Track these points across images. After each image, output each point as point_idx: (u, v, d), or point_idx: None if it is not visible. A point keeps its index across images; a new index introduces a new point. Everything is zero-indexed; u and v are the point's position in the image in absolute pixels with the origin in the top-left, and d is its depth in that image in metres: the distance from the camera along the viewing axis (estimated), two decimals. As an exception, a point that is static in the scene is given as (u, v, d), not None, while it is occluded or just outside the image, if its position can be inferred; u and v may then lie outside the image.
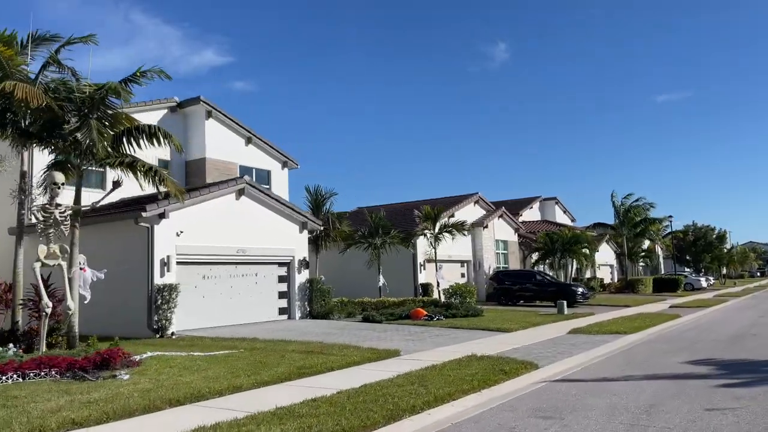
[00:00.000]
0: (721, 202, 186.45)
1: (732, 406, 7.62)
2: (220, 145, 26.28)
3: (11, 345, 12.09)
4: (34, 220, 14.16)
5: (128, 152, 13.87)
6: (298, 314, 21.92)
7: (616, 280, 49.40)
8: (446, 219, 29.85)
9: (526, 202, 56.86)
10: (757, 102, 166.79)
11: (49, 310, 12.15)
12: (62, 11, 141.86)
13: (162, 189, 14.19)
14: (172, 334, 17.01)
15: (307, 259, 22.61)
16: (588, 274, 46.38)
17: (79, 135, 11.86)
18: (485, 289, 33.90)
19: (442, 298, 24.80)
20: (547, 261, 37.53)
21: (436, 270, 27.01)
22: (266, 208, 21.26)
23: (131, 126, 13.54)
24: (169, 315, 17.02)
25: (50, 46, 14.47)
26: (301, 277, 22.28)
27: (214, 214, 19.26)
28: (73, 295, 12.93)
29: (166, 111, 25.50)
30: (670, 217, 56.07)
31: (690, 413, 7.34)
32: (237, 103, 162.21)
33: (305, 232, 22.90)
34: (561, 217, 59.15)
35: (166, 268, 17.42)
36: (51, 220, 12.23)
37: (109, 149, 13.45)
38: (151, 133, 13.55)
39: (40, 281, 12.48)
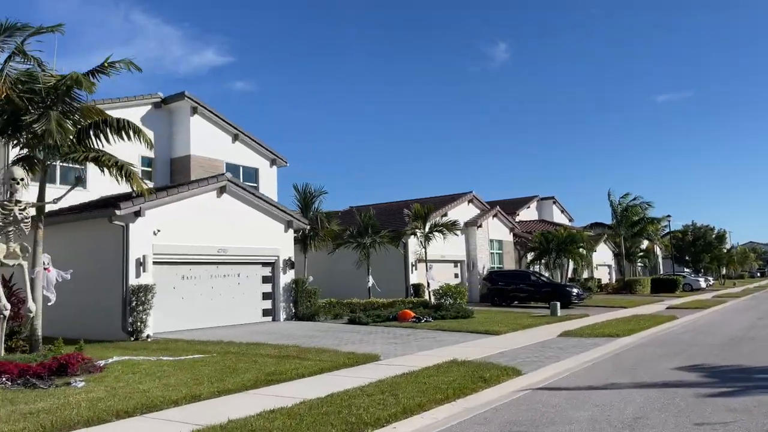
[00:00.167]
0: (721, 202, 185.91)
1: (723, 420, 7.00)
2: (206, 142, 25.66)
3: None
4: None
5: (96, 147, 13.24)
6: (282, 316, 21.30)
7: (613, 281, 48.75)
8: (438, 218, 29.22)
9: (523, 202, 56.21)
10: (757, 102, 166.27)
11: (7, 313, 11.53)
12: (62, 11, 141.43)
13: (130, 186, 13.51)
14: (148, 336, 16.39)
15: (293, 259, 21.98)
16: (585, 275, 45.73)
17: (37, 127, 11.21)
18: (479, 289, 33.28)
19: (432, 300, 24.16)
20: (543, 261, 36.89)
21: (426, 270, 26.37)
22: (249, 207, 20.62)
23: (98, 119, 12.90)
24: (144, 317, 16.40)
25: (19, 36, 13.85)
26: (287, 277, 21.65)
27: (194, 213, 18.64)
28: (35, 297, 12.31)
29: (150, 107, 24.87)
30: (669, 216, 55.43)
31: (677, 428, 6.72)
32: (237, 103, 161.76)
33: (291, 231, 22.28)
34: (559, 217, 58.48)
35: (142, 268, 16.79)
36: (11, 218, 11.61)
37: (75, 143, 12.82)
38: (120, 127, 12.93)
39: (-1, 282, 11.87)
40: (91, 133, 12.97)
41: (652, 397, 8.47)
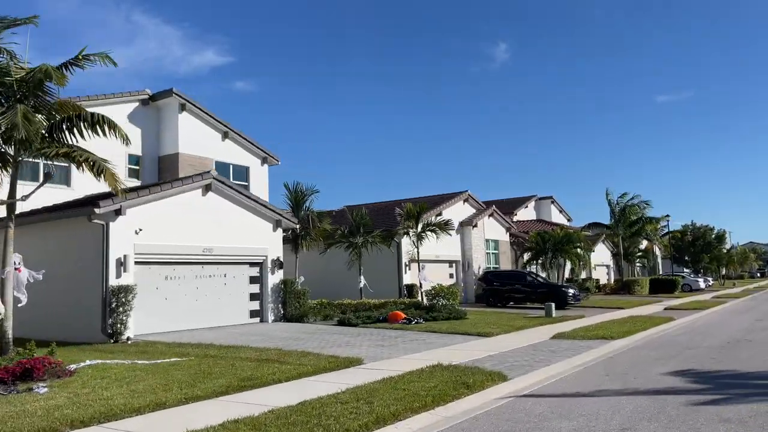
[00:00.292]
0: (721, 202, 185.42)
1: (716, 432, 6.54)
2: (195, 139, 25.19)
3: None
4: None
5: (70, 142, 12.75)
6: (271, 317, 20.83)
7: (612, 281, 48.25)
8: (433, 217, 28.76)
9: (521, 201, 55.75)
10: (757, 102, 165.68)
11: (-27, 315, 11.05)
12: (63, 12, 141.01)
13: (103, 182, 13.01)
14: (128, 338, 15.93)
15: (282, 259, 21.50)
16: (584, 275, 45.26)
17: (2, 120, 10.72)
18: (474, 290, 32.81)
19: (425, 300, 23.69)
20: (539, 261, 36.42)
21: (419, 270, 25.89)
22: (236, 205, 20.15)
23: (72, 114, 12.43)
24: (124, 318, 15.93)
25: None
26: (275, 278, 21.17)
27: (178, 211, 18.17)
28: (5, 298, 11.83)
29: (137, 104, 24.42)
30: (668, 216, 54.85)
31: (666, 441, 6.26)
32: (238, 103, 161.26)
33: (279, 230, 21.80)
34: (557, 217, 58.03)
35: (122, 268, 16.32)
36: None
37: (48, 138, 12.35)
38: (94, 122, 12.45)
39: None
40: (65, 127, 12.49)
41: (641, 405, 8.00)
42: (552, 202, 59.09)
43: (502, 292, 30.12)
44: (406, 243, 27.47)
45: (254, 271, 20.78)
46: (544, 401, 8.44)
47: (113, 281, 16.07)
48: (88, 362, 12.03)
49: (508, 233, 38.40)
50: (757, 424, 6.87)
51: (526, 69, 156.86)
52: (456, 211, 32.91)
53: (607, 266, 51.88)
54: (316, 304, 22.83)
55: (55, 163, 18.59)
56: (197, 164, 24.66)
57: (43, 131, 12.39)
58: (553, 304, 23.36)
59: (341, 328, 19.27)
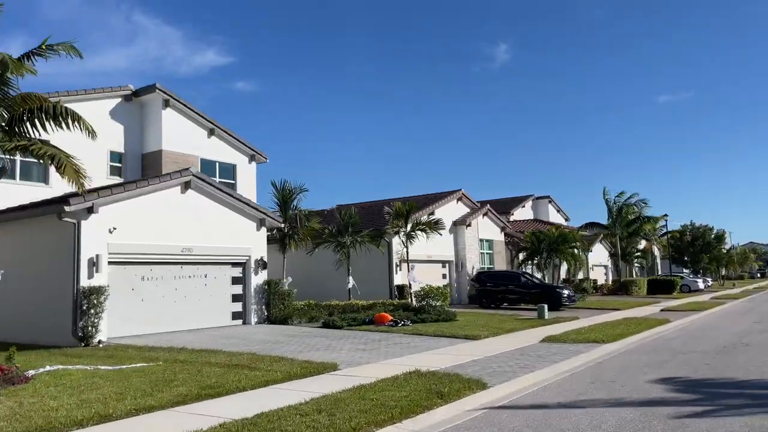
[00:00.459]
0: (721, 202, 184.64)
1: (705, 450, 5.91)
2: (180, 136, 24.55)
3: None
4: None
5: (32, 136, 12.13)
6: (254, 319, 20.20)
7: (610, 282, 47.59)
8: (425, 216, 28.14)
9: (518, 201, 55.13)
10: (757, 103, 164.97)
11: None
12: (63, 12, 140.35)
13: (70, 179, 12.38)
14: (100, 342, 15.30)
15: (265, 259, 20.86)
16: (581, 275, 44.62)
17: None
18: (467, 291, 32.18)
19: (414, 302, 23.05)
20: (534, 261, 35.78)
21: (408, 271, 25.26)
22: (218, 203, 19.51)
23: (34, 106, 11.80)
24: (96, 321, 15.29)
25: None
26: (259, 278, 20.54)
27: (155, 209, 17.54)
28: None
29: (120, 99, 23.78)
30: (666, 216, 54.14)
31: (649, 462, 5.63)
32: (238, 103, 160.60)
33: (263, 229, 21.16)
34: (554, 217, 57.40)
35: (95, 268, 15.69)
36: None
37: (9, 132, 11.73)
38: (56, 114, 11.83)
39: None
40: (26, 119, 11.87)
41: (626, 418, 7.37)
42: (549, 202, 58.47)
43: (496, 293, 29.48)
44: (397, 243, 26.84)
45: (237, 272, 20.15)
46: (521, 414, 7.81)
47: (85, 282, 15.44)
48: (48, 368, 11.41)
49: (503, 233, 37.76)
50: (750, 441, 6.26)
51: (526, 69, 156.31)
52: (449, 210, 32.28)
53: (605, 267, 51.25)
54: (304, 305, 22.22)
55: (28, 159, 18.07)
56: (181, 161, 24.02)
57: (3, 124, 11.77)
58: (546, 306, 22.72)
59: (325, 330, 18.65)
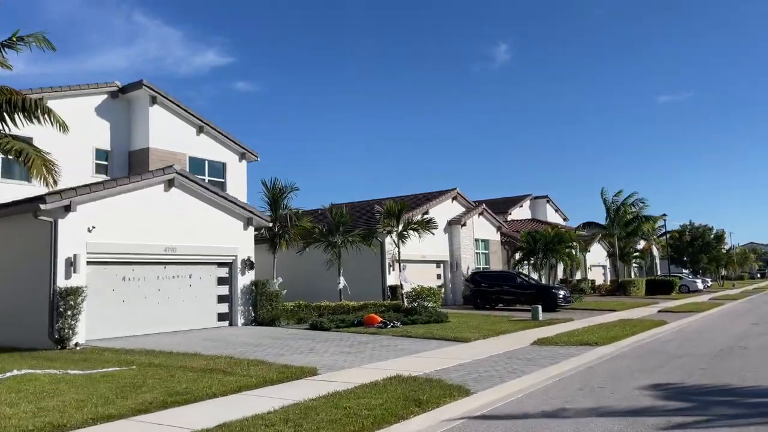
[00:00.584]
0: (721, 202, 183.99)
1: (694, 468, 5.45)
2: (167, 134, 24.06)
3: None
4: None
5: (3, 131, 11.69)
6: (241, 320, 19.74)
7: (608, 282, 47.13)
8: (419, 216, 27.66)
9: (516, 201, 54.67)
10: (757, 103, 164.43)
11: None
12: (63, 12, 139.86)
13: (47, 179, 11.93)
14: (77, 344, 14.84)
15: (253, 259, 20.40)
16: (579, 276, 44.16)
17: None
18: (462, 291, 31.70)
19: (406, 302, 22.59)
20: (530, 261, 35.31)
21: (400, 271, 24.79)
22: (203, 202, 19.06)
23: (2, 99, 11.36)
24: (73, 323, 14.83)
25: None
26: (245, 279, 20.08)
27: (137, 208, 17.09)
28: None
29: (106, 96, 23.29)
30: (664, 215, 53.68)
31: (632, 481, 5.17)
32: (238, 103, 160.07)
33: (251, 228, 20.70)
34: (553, 216, 56.92)
35: (72, 268, 15.23)
36: None
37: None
38: (25, 107, 11.39)
39: None
40: (-7, 113, 11.42)
41: (612, 430, 6.91)
42: (548, 202, 58.00)
43: (490, 293, 29.01)
44: (389, 243, 26.37)
45: (223, 272, 19.70)
46: (501, 424, 7.34)
47: (62, 282, 14.99)
48: (14, 372, 10.96)
49: (499, 232, 37.28)
50: (743, 457, 5.79)
51: (526, 69, 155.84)
52: (444, 210, 31.82)
53: (603, 267, 50.77)
54: (293, 306, 21.79)
55: (11, 157, 17.60)
56: (169, 159, 23.51)
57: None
58: (540, 307, 22.24)
59: (312, 332, 18.19)
